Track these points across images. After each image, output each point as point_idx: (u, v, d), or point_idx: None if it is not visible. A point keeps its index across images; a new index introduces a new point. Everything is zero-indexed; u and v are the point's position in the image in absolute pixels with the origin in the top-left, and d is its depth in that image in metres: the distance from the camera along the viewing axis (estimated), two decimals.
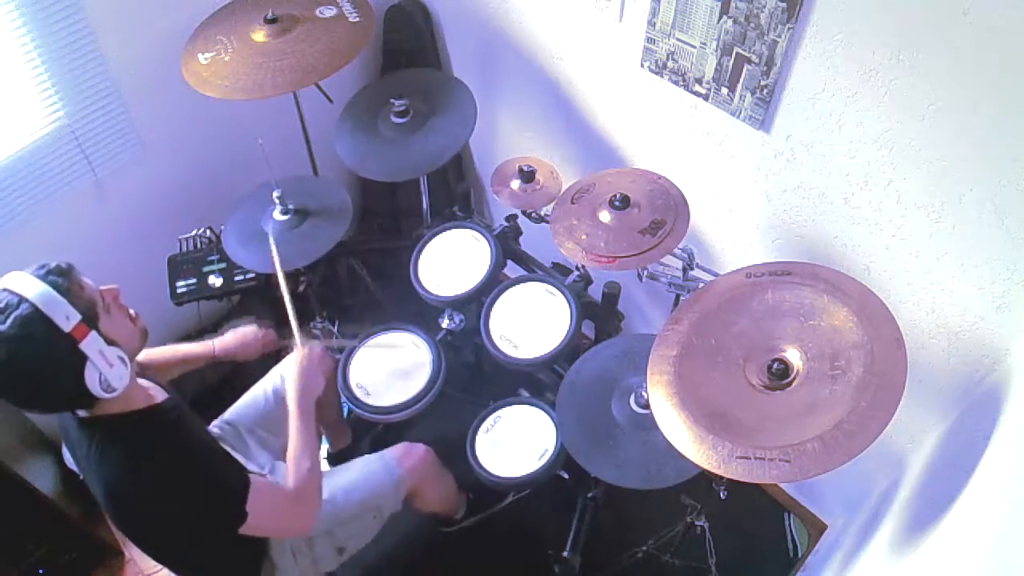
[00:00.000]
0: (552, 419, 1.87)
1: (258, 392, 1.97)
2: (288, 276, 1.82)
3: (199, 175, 2.45)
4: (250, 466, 1.63)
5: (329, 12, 2.03)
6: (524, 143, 2.54)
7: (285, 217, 2.08)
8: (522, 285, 2.00)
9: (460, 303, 2.03)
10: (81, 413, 1.35)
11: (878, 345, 1.30)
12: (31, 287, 1.21)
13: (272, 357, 1.93)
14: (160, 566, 1.55)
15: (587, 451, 1.71)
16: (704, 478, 1.63)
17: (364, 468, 1.88)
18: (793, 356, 1.36)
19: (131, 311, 1.39)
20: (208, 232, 2.28)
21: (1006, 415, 1.39)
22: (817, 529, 2.40)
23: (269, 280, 2.36)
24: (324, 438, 2.35)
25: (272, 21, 1.97)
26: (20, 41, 1.85)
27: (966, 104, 1.36)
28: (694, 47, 1.74)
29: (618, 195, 1.73)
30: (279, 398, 1.89)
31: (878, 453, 1.35)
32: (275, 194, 2.05)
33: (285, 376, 1.62)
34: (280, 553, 1.67)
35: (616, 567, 2.22)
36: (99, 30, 1.96)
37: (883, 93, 1.47)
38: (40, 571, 2.15)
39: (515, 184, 2.00)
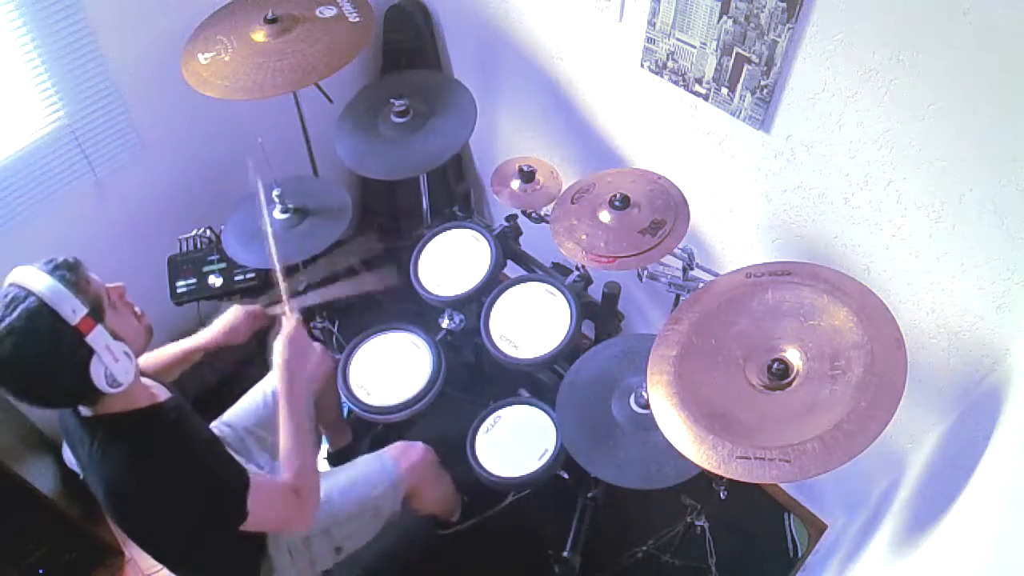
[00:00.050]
0: (552, 419, 1.87)
1: (257, 394, 1.97)
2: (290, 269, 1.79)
3: (199, 175, 2.45)
4: (250, 467, 1.63)
5: (329, 12, 2.03)
6: (524, 143, 2.54)
7: (285, 216, 2.08)
8: (522, 285, 2.00)
9: (460, 303, 2.03)
10: (84, 411, 1.35)
11: (878, 345, 1.30)
12: (39, 281, 1.21)
13: (268, 332, 1.87)
14: (160, 566, 1.55)
15: (587, 451, 1.71)
16: (704, 478, 1.63)
17: (362, 467, 1.87)
18: (793, 356, 1.36)
19: (136, 309, 1.40)
20: (208, 232, 2.28)
21: (1006, 415, 1.39)
22: (817, 529, 2.40)
23: (268, 277, 2.36)
24: (324, 438, 2.35)
25: (272, 21, 1.97)
26: (20, 41, 1.85)
27: (966, 104, 1.36)
28: (694, 47, 1.74)
29: (618, 195, 1.73)
30: (278, 399, 1.89)
31: (878, 453, 1.35)
32: (275, 193, 2.05)
33: (272, 352, 1.59)
34: (278, 552, 1.67)
35: (616, 567, 2.22)
36: (99, 30, 1.96)
37: (883, 93, 1.47)
38: (40, 571, 2.15)
39: (515, 184, 2.00)
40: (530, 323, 1.94)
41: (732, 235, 2.05)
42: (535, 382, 2.20)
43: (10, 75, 1.88)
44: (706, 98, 1.80)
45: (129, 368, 1.30)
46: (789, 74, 1.61)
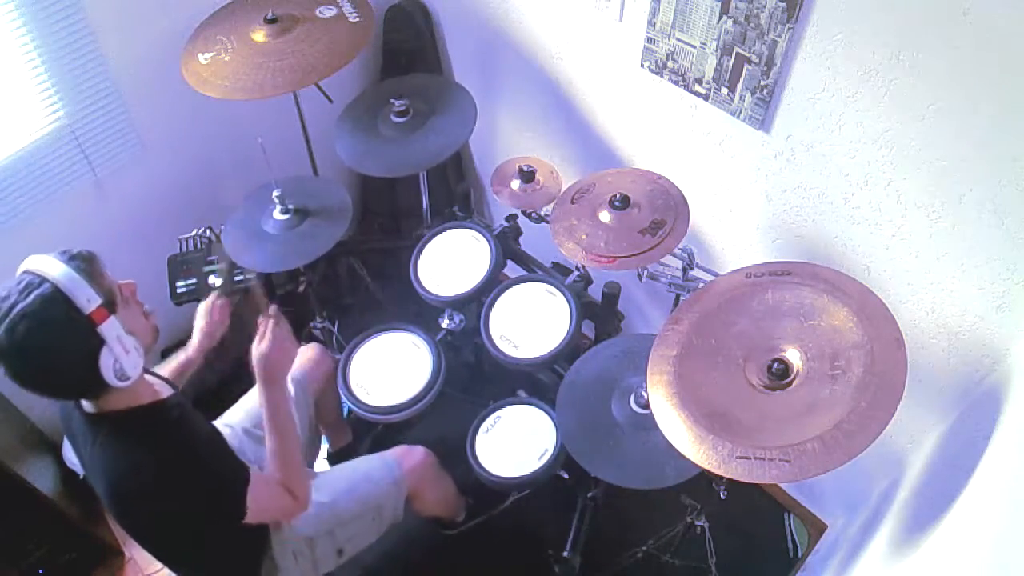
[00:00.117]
0: (552, 419, 1.87)
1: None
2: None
3: (199, 175, 2.45)
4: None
5: (329, 12, 2.03)
6: (524, 143, 2.54)
7: (285, 217, 2.08)
8: (522, 285, 2.00)
9: (460, 303, 2.03)
10: (87, 407, 1.36)
11: (878, 345, 1.30)
12: (54, 268, 1.22)
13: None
14: (161, 566, 1.55)
15: (587, 451, 1.71)
16: (704, 478, 1.63)
17: (364, 468, 1.88)
18: (793, 356, 1.36)
19: (145, 307, 1.40)
20: (208, 232, 2.28)
21: (1006, 415, 1.39)
22: (817, 529, 2.40)
23: (268, 279, 2.36)
24: (324, 438, 2.35)
25: (272, 21, 1.97)
26: (20, 41, 1.84)
27: (966, 104, 1.36)
28: (694, 47, 1.74)
29: (618, 195, 1.73)
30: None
31: (878, 453, 1.35)
32: (275, 194, 2.05)
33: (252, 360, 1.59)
34: (281, 554, 1.67)
35: (616, 567, 2.22)
36: (99, 30, 1.96)
37: (883, 93, 1.47)
38: (40, 571, 2.15)
39: (515, 184, 2.00)
40: (530, 323, 1.94)
41: (732, 235, 2.05)
42: (535, 382, 2.20)
43: (10, 75, 1.88)
44: (706, 98, 1.80)
45: (138, 363, 1.31)
46: (789, 74, 1.61)
